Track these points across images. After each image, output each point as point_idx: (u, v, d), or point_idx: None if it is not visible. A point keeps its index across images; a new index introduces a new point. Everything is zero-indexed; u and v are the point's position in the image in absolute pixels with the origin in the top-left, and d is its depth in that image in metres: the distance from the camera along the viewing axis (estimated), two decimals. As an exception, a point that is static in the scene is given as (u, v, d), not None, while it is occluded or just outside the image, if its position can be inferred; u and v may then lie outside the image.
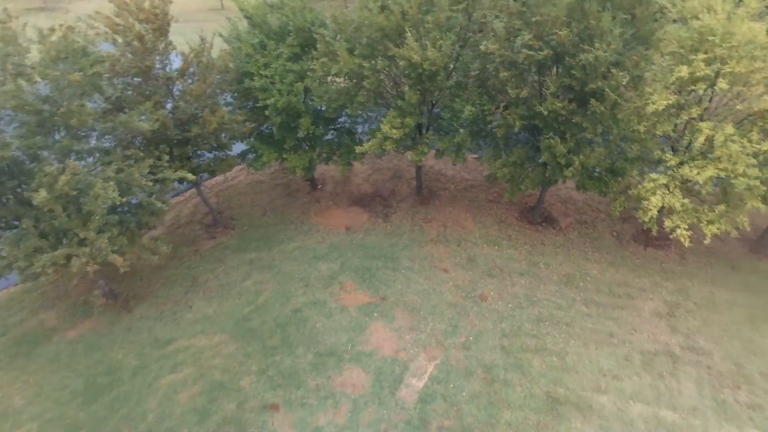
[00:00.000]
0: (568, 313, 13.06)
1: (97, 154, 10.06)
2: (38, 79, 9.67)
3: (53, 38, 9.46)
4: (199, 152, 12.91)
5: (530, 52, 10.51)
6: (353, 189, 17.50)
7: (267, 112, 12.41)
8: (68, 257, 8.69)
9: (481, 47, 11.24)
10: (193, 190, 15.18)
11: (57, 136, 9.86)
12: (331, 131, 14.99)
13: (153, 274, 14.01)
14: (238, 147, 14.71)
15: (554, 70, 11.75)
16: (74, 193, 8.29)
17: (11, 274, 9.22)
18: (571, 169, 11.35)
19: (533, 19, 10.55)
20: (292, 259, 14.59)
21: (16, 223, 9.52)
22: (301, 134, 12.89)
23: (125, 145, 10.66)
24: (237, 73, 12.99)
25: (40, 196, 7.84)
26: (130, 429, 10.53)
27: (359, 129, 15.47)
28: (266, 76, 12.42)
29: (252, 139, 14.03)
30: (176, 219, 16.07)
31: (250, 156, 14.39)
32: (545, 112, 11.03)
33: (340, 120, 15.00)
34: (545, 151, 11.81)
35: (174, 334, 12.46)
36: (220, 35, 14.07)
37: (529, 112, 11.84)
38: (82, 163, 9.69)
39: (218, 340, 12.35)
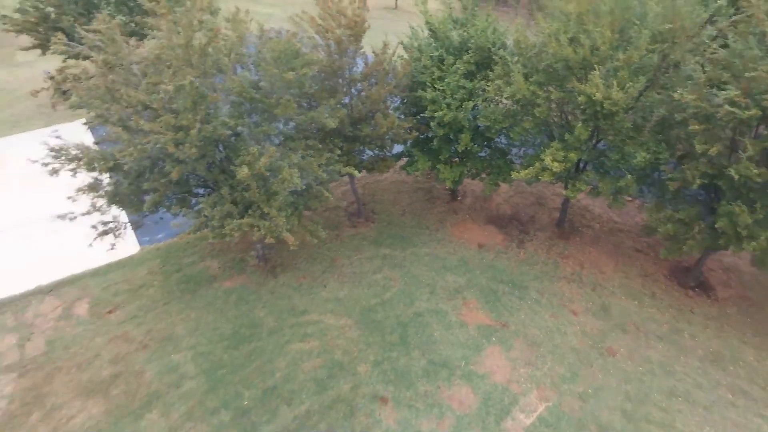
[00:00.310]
0: (709, 396, 11.78)
1: (283, 140, 11.51)
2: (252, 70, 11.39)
3: (276, 41, 10.91)
4: (363, 149, 13.99)
5: (734, 110, 9.55)
6: (492, 207, 17.51)
7: (432, 123, 12.99)
8: (251, 226, 10.15)
9: (675, 95, 10.46)
10: (345, 178, 16.43)
11: (254, 119, 11.47)
12: (486, 149, 15.15)
13: (299, 248, 15.52)
14: (395, 148, 15.62)
15: (756, 130, 10.53)
16: (267, 173, 9.66)
17: (206, 229, 10.98)
18: (754, 243, 10.13)
19: (746, 74, 9.54)
20: (422, 264, 15.15)
21: (212, 187, 11.36)
22: (458, 149, 13.27)
23: (305, 135, 11.99)
24: (410, 81, 13.76)
25: (243, 172, 9.28)
26: (259, 380, 11.96)
27: (513, 151, 15.41)
28: (439, 90, 12.98)
29: (410, 145, 14.79)
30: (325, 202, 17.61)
31: (406, 159, 15.18)
32: (735, 176, 9.97)
33: (496, 139, 15.09)
34: (723, 217, 10.68)
35: (308, 307, 13.79)
36: (401, 43, 14.96)
37: (713, 170, 10.78)
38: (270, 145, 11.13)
39: (344, 323, 13.39)
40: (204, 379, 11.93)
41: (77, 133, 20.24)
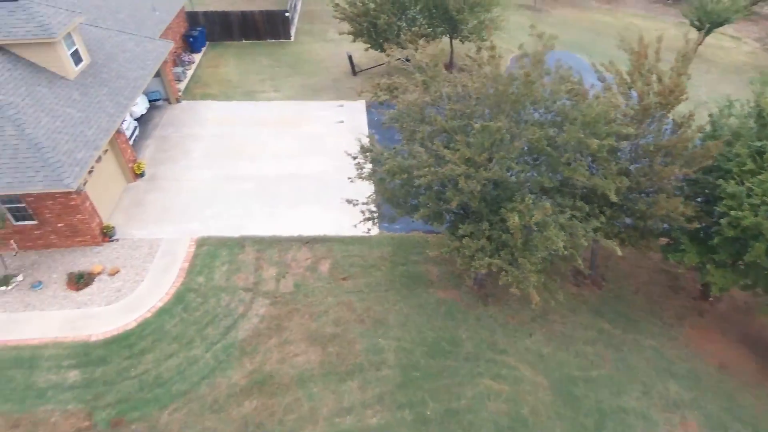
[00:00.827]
0: None
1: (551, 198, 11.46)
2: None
3: (591, 106, 10.75)
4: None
5: None
6: (754, 325, 14.65)
7: (723, 221, 11.32)
8: (499, 268, 10.54)
9: None
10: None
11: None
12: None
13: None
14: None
15: None
16: (535, 228, 9.85)
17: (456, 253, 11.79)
18: None
19: None
20: (643, 357, 13.65)
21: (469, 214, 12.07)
22: (748, 259, 11.34)
23: (572, 192, 11.70)
24: (710, 163, 12.15)
25: (513, 221, 9.61)
26: (445, 397, 12.55)
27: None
28: (746, 185, 11.20)
29: (679, 228, 13.21)
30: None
31: (668, 240, 13.66)
32: None
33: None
34: None
35: (508, 348, 13.80)
36: (711, 117, 13.27)
37: None
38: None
39: (540, 381, 13.02)
40: (399, 372, 13.06)
41: (357, 110, 23.68)
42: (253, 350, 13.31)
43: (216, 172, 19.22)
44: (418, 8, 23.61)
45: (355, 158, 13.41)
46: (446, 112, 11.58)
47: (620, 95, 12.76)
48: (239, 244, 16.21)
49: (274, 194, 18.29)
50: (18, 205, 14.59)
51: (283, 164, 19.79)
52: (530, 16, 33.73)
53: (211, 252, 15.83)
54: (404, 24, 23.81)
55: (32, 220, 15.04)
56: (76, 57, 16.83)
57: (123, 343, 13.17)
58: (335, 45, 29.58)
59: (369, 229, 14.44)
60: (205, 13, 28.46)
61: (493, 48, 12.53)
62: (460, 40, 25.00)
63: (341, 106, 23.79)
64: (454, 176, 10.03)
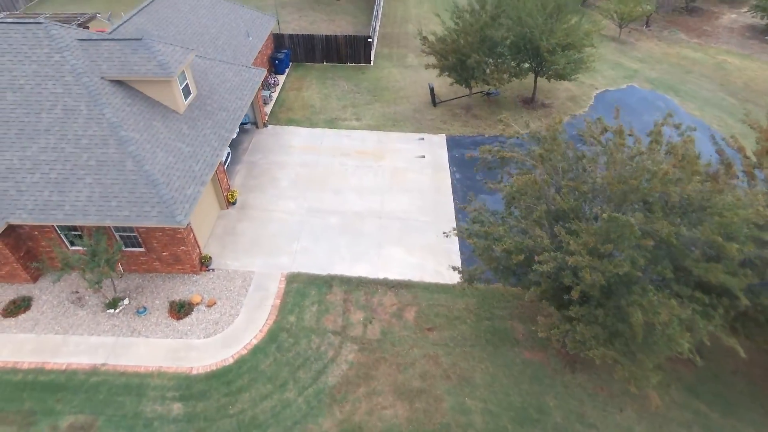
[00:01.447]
0: None
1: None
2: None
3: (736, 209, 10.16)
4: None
5: None
6: None
7: None
8: (614, 360, 10.30)
9: None
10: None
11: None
12: None
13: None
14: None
15: None
16: (659, 326, 9.55)
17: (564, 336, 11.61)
18: None
19: None
20: (744, 448, 13.02)
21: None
22: None
23: (688, 282, 11.20)
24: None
25: (636, 318, 9.34)
26: (532, 470, 12.44)
27: None
28: None
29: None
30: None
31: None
32: None
33: None
34: None
35: (597, 423, 13.44)
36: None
37: None
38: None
39: (632, 464, 12.64)
40: (486, 437, 13.02)
41: (438, 144, 23.69)
42: (342, 398, 13.61)
43: (302, 204, 19.76)
44: (507, 45, 23.35)
45: (447, 235, 13.32)
46: (563, 189, 11.41)
47: (742, 173, 12.09)
48: (327, 283, 16.61)
49: (358, 232, 18.61)
50: (130, 233, 15.54)
51: (366, 200, 20.09)
52: (615, 48, 32.67)
53: (300, 290, 16.30)
54: (491, 59, 23.66)
55: (140, 247, 15.99)
56: (186, 91, 17.73)
57: (222, 379, 13.79)
58: (414, 72, 29.74)
59: (465, 284, 14.24)
60: (291, 36, 29.27)
61: (620, 133, 12.16)
62: (546, 78, 24.56)
63: (422, 139, 23.88)
64: (579, 268, 9.87)
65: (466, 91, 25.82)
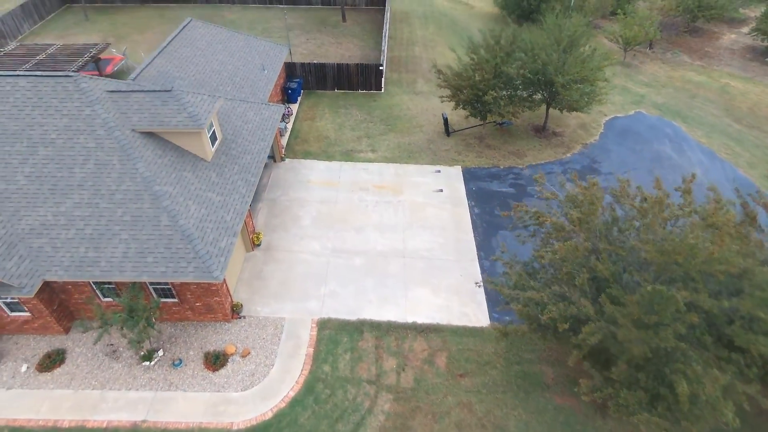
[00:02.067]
0: None
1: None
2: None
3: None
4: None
5: None
6: None
7: None
8: (660, 428, 10.63)
9: None
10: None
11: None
12: None
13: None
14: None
15: None
16: (704, 396, 9.90)
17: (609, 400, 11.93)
18: None
19: None
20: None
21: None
22: None
23: (721, 341, 11.54)
24: None
25: (682, 390, 9.63)
26: None
27: None
28: None
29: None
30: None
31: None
32: None
33: None
34: None
35: (631, 471, 13.84)
36: None
37: None
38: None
39: None
40: (525, 488, 13.33)
41: (454, 177, 23.99)
42: (382, 452, 13.86)
43: (325, 244, 19.98)
44: (520, 79, 23.74)
45: (479, 285, 13.52)
46: (602, 254, 11.72)
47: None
48: (358, 329, 16.84)
49: (383, 273, 18.86)
50: (164, 286, 15.68)
51: (389, 238, 20.35)
52: (620, 71, 33.19)
53: (332, 337, 16.52)
54: (505, 92, 24.03)
55: (173, 297, 16.13)
56: (213, 137, 17.89)
57: (263, 434, 13.99)
58: (425, 99, 30.04)
59: (501, 336, 14.48)
60: (303, 65, 29.46)
61: (660, 203, 12.37)
62: (559, 109, 24.96)
63: (438, 171, 24.18)
64: (628, 342, 10.20)
65: (479, 119, 26.16)
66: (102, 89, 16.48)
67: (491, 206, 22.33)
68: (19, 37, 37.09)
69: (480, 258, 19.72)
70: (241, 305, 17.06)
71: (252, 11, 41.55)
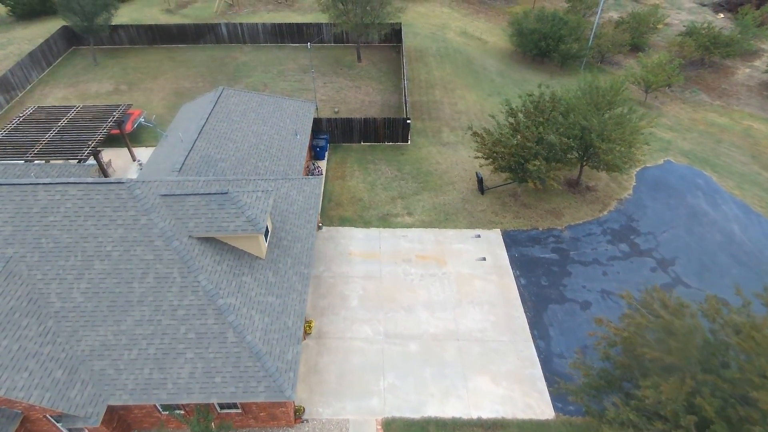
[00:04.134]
0: None
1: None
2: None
3: None
4: None
5: None
6: None
7: None
8: None
9: None
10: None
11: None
12: None
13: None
14: None
15: None
16: None
17: None
18: None
19: None
20: None
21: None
22: None
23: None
24: None
25: None
26: None
27: None
28: None
29: None
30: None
31: None
32: None
33: None
34: None
35: None
36: None
37: None
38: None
39: None
40: None
41: (495, 242, 23.73)
42: None
43: (377, 328, 19.60)
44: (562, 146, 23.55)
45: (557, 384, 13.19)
46: (702, 388, 11.47)
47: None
48: (424, 429, 16.50)
49: (440, 360, 18.54)
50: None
51: (440, 318, 20.04)
52: (643, 114, 33.20)
53: (401, 442, 16.18)
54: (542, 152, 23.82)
55: (237, 409, 15.65)
56: (266, 232, 17.42)
57: None
58: (453, 151, 29.78)
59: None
60: (330, 120, 29.03)
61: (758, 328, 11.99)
62: (596, 169, 24.82)
63: (478, 236, 23.92)
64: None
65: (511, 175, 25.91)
66: (155, 194, 15.94)
67: (537, 275, 22.13)
68: (28, 87, 36.15)
69: (534, 338, 19.50)
70: (303, 409, 16.63)
71: (264, 52, 40.95)
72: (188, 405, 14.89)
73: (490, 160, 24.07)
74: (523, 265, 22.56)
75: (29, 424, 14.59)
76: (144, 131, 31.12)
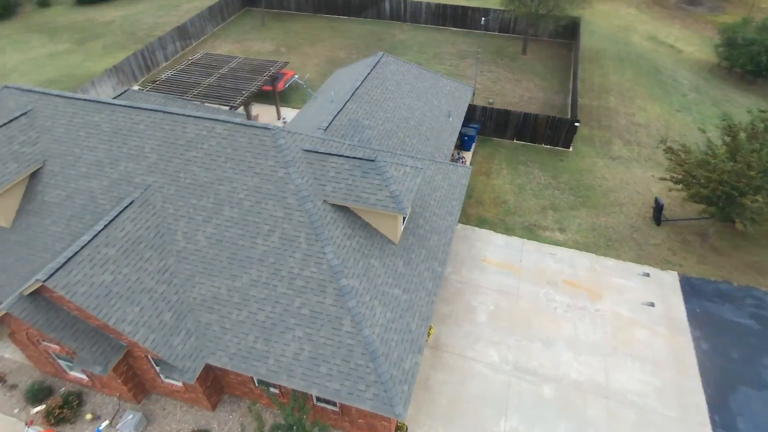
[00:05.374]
0: None
1: None
2: None
3: None
4: None
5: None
6: None
7: None
8: None
9: None
10: None
11: None
12: None
13: None
14: None
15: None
16: None
17: None
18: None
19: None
20: None
21: None
22: None
23: None
24: None
25: None
26: None
27: None
28: None
29: None
30: None
31: None
32: None
33: None
34: None
35: None
36: None
37: None
38: None
39: None
40: None
41: (669, 286, 18.87)
42: None
43: (505, 355, 16.29)
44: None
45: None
46: None
47: None
48: (549, 501, 12.98)
49: (580, 416, 14.71)
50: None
51: (585, 363, 16.09)
52: None
53: (517, 507, 12.85)
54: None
55: (335, 406, 13.58)
56: (404, 214, 15.04)
57: None
58: (624, 167, 24.91)
59: None
60: (484, 109, 25.94)
61: None
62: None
63: (647, 275, 19.22)
64: None
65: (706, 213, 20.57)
66: (298, 147, 14.36)
67: (725, 343, 16.95)
68: (202, 38, 38.40)
69: (714, 424, 14.68)
70: (406, 428, 14.05)
71: (423, 32, 39.01)
72: (285, 387, 13.13)
73: (685, 185, 19.11)
74: (706, 325, 17.48)
75: (131, 359, 13.97)
76: (293, 93, 30.91)
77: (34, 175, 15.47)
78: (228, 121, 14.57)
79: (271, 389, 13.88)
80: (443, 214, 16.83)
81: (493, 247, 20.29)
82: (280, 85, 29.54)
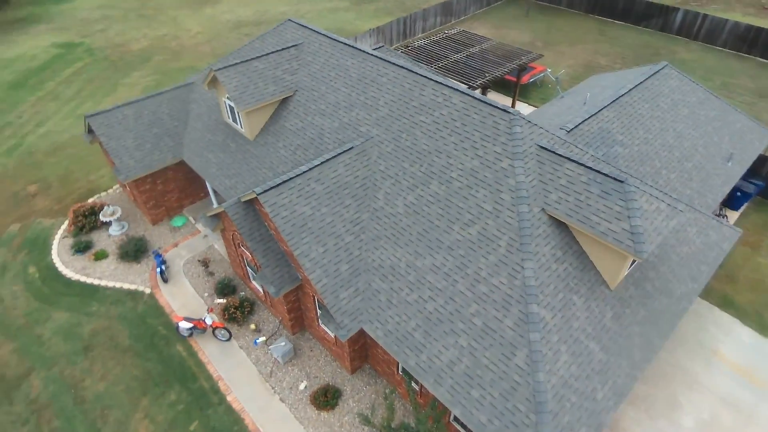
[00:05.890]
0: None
1: None
2: None
3: None
4: None
5: None
6: None
7: None
8: None
9: None
10: None
11: None
12: None
13: None
14: None
15: None
16: None
17: None
18: None
19: None
20: None
21: None
22: None
23: None
24: None
25: None
26: None
27: None
28: None
29: None
30: None
31: None
32: None
33: None
34: None
35: None
36: None
37: None
38: None
39: None
40: None
41: None
42: None
43: (707, 485, 12.07)
44: None
45: None
46: None
47: None
48: None
49: None
50: (470, 422, 11.33)
51: None
52: None
53: None
54: None
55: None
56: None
57: None
58: None
59: None
60: (780, 165, 19.71)
61: None
62: None
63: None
64: None
65: None
66: (534, 141, 12.40)
67: None
68: (462, 18, 38.39)
69: None
70: (544, 506, 11.43)
71: (715, 55, 32.01)
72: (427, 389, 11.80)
73: None
74: None
75: (301, 293, 14.36)
76: (534, 89, 28.53)
77: (284, 101, 16.90)
78: (467, 94, 13.39)
79: (413, 384, 12.74)
80: (683, 277, 13.00)
81: (733, 342, 15.29)
82: (525, 78, 27.46)
